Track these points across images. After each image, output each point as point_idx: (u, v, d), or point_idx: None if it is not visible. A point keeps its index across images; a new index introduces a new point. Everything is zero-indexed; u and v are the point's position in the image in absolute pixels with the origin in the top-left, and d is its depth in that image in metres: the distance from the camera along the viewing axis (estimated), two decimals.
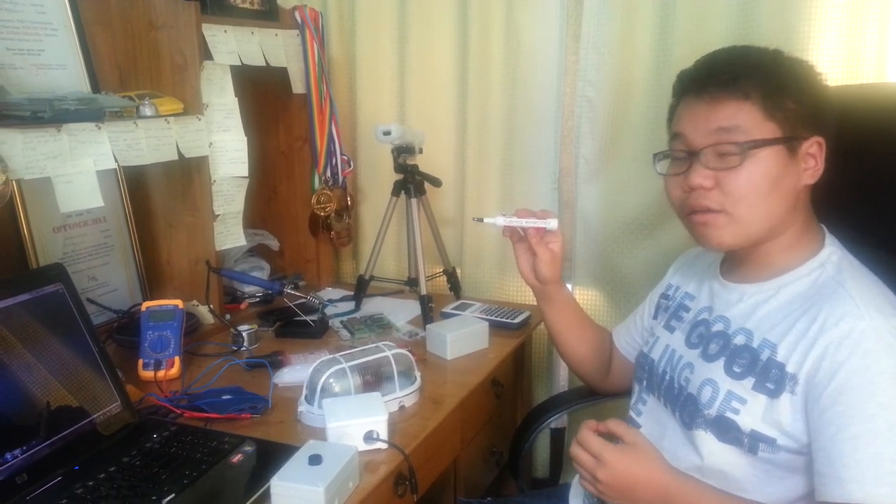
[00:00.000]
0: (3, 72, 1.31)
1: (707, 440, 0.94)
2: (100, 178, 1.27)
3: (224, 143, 1.54)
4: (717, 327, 1.00)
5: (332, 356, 1.22)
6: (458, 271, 1.87)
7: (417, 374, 1.27)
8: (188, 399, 1.22)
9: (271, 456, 1.02)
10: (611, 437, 0.97)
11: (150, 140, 1.35)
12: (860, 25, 1.39)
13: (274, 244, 1.94)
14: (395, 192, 1.73)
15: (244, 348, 1.48)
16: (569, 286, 1.70)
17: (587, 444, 0.96)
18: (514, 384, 1.68)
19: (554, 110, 1.76)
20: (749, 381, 0.91)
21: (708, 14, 1.52)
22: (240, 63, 1.56)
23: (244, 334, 1.50)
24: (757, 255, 0.98)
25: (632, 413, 1.13)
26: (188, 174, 1.54)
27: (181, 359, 1.35)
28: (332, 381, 1.16)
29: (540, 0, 1.70)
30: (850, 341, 0.83)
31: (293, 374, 1.30)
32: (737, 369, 0.94)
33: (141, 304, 1.42)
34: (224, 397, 1.21)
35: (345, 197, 1.91)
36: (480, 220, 1.22)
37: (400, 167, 1.70)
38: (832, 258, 0.94)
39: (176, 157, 1.42)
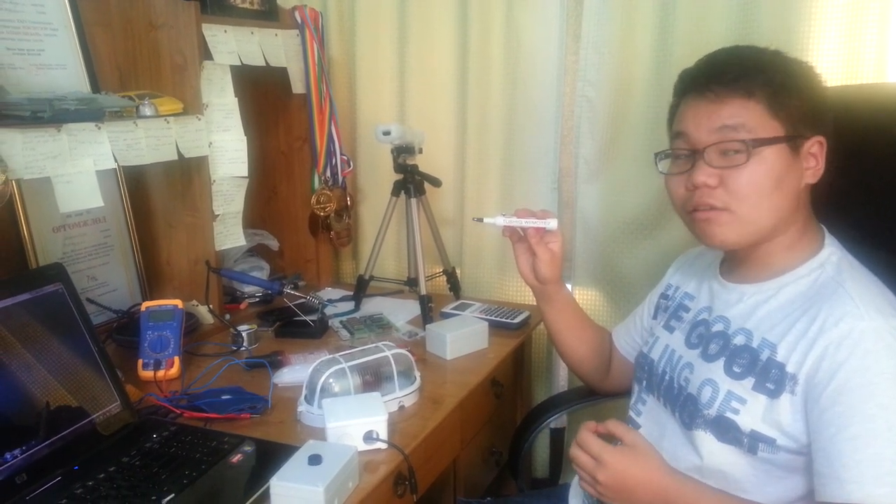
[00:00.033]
0: (3, 72, 1.31)
1: (707, 440, 0.94)
2: (99, 178, 1.27)
3: (224, 143, 1.54)
4: (717, 327, 1.00)
5: (331, 356, 1.22)
6: (458, 271, 1.87)
7: (417, 374, 1.27)
8: (188, 399, 1.22)
9: (271, 456, 1.02)
10: (610, 439, 0.97)
11: (149, 140, 1.35)
12: (860, 26, 1.39)
13: (274, 244, 1.94)
14: (395, 192, 1.73)
15: (244, 348, 1.48)
16: (569, 286, 1.70)
17: (587, 446, 0.96)
18: (513, 384, 1.67)
19: (554, 110, 1.76)
20: (749, 382, 0.91)
21: (708, 14, 1.52)
22: (240, 63, 1.56)
23: (244, 334, 1.50)
24: (757, 256, 0.98)
25: (631, 413, 1.13)
26: (188, 174, 1.54)
27: (181, 359, 1.35)
28: (331, 381, 1.16)
29: (540, 0, 1.70)
30: (849, 342, 0.83)
31: (293, 374, 1.30)
32: (737, 369, 0.94)
33: (140, 304, 1.42)
34: (224, 397, 1.21)
35: (344, 197, 1.91)
36: (480, 220, 1.22)
37: (400, 167, 1.70)
38: (832, 258, 0.94)
39: (176, 157, 1.42)
